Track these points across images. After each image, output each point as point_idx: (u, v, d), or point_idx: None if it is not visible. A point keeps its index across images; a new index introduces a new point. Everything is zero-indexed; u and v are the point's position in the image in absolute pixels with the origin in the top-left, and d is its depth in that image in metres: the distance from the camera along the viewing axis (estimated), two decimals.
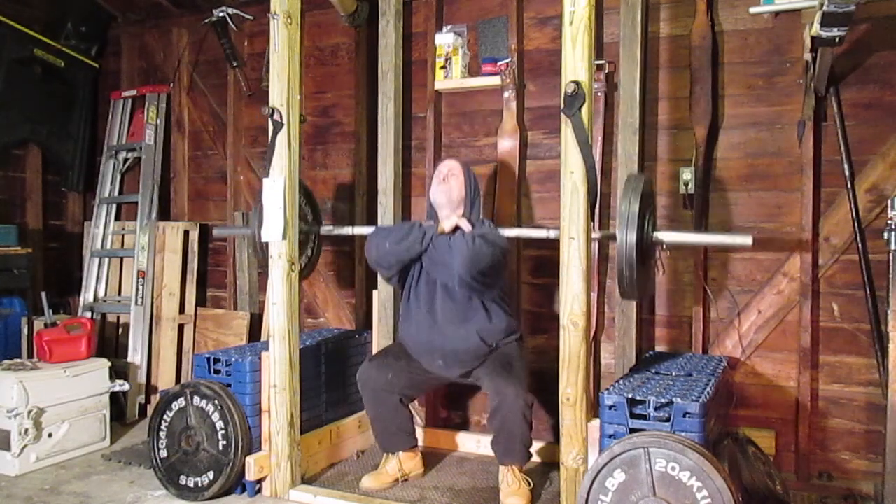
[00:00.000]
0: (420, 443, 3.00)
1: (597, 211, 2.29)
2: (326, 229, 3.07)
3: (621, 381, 2.38)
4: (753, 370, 2.87)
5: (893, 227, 2.09)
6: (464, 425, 3.35)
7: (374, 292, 3.24)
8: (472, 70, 3.32)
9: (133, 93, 4.18)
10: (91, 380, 3.19)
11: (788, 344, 2.81)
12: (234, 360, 2.71)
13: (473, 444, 3.14)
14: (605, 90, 3.01)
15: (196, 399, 2.66)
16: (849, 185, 2.65)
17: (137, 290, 3.84)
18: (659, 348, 3.01)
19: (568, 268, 2.21)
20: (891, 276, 2.10)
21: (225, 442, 2.60)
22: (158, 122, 4.08)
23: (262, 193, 2.67)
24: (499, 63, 3.18)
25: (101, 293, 4.06)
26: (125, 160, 4.20)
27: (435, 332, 2.64)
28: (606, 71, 3.01)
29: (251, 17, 3.81)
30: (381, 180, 3.24)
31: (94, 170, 4.29)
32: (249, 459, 2.59)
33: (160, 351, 3.85)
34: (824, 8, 1.99)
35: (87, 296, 4.02)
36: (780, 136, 2.82)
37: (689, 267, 2.94)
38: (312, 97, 3.71)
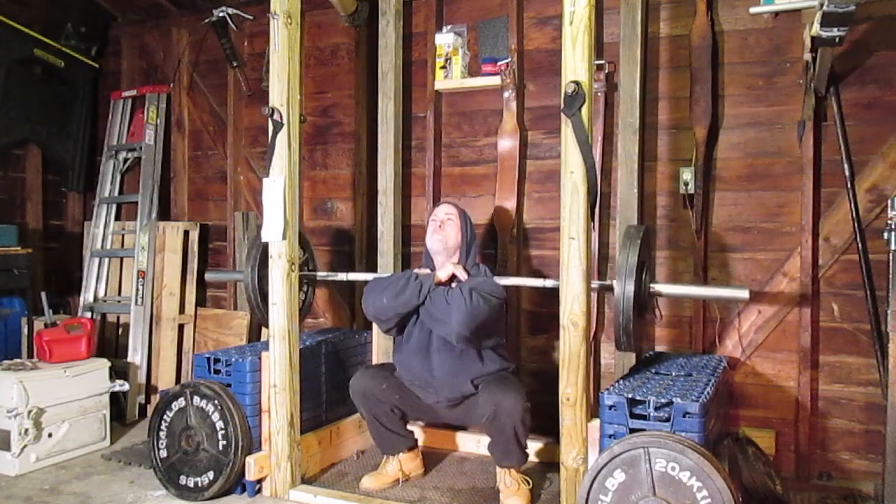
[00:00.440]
0: (420, 443, 3.00)
1: (597, 211, 2.29)
2: (322, 275, 3.06)
3: (621, 381, 2.38)
4: (753, 370, 2.87)
5: (893, 227, 2.09)
6: (463, 425, 3.34)
7: None
8: (472, 70, 3.32)
9: (133, 93, 4.18)
10: (91, 380, 3.19)
11: (788, 344, 2.81)
12: (234, 360, 2.71)
13: (473, 444, 3.14)
14: (605, 90, 3.01)
15: (196, 399, 2.66)
16: (849, 185, 2.65)
17: (137, 290, 3.84)
18: (659, 348, 3.01)
19: (568, 268, 2.21)
20: (891, 276, 2.10)
21: (225, 442, 2.60)
22: (158, 122, 4.08)
23: (262, 193, 2.67)
24: (499, 63, 3.18)
25: (101, 293, 4.06)
26: (125, 160, 4.20)
27: (431, 376, 2.64)
28: (606, 71, 3.01)
29: (251, 17, 3.81)
30: (381, 180, 3.24)
31: (94, 170, 4.29)
32: (249, 459, 2.59)
33: (160, 351, 3.85)
34: (824, 8, 1.99)
35: (87, 296, 4.02)
36: (780, 136, 2.82)
37: (689, 267, 2.94)
38: (312, 97, 3.71)
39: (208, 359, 2.78)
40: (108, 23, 4.32)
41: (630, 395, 2.13)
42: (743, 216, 2.88)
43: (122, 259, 4.08)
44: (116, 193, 4.18)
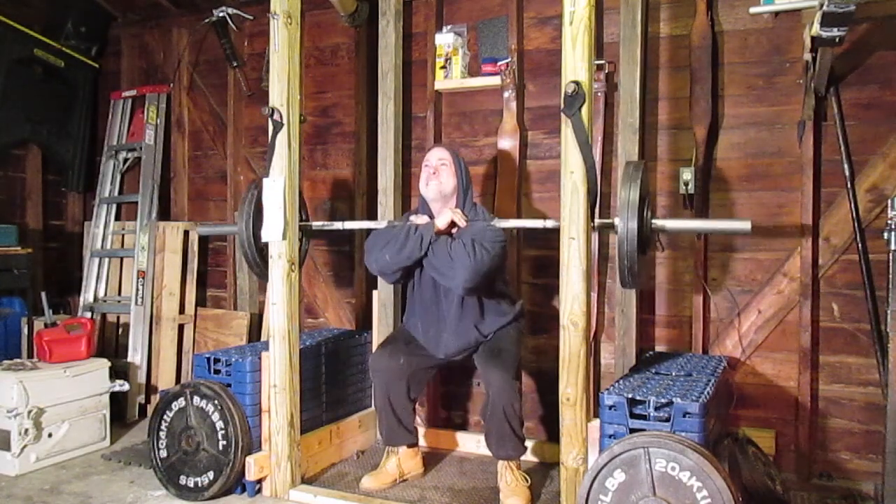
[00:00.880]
0: (420, 443, 3.00)
1: (597, 211, 2.29)
2: (317, 225, 3.05)
3: (621, 381, 2.38)
4: (753, 370, 2.87)
5: (893, 227, 2.09)
6: (464, 425, 3.35)
7: (374, 292, 3.24)
8: (472, 70, 3.32)
9: (133, 93, 4.18)
10: (91, 380, 3.19)
11: (788, 344, 2.81)
12: (234, 360, 2.71)
13: (473, 444, 3.14)
14: (605, 90, 3.01)
15: (196, 399, 2.66)
16: (849, 185, 2.65)
17: (137, 290, 3.84)
18: (659, 348, 3.01)
19: (568, 268, 2.21)
20: (891, 276, 2.10)
21: (225, 442, 2.60)
22: (158, 122, 4.08)
23: (262, 193, 2.67)
24: (499, 63, 3.18)
25: (101, 293, 4.06)
26: (125, 160, 4.20)
27: (441, 322, 2.70)
28: (606, 71, 3.01)
29: (251, 17, 3.81)
30: (381, 180, 3.24)
31: (94, 170, 4.29)
32: (249, 459, 2.59)
33: (160, 351, 3.85)
34: (824, 8, 1.99)
35: (87, 296, 4.02)
36: (780, 136, 2.82)
37: (689, 267, 2.94)
38: (312, 97, 3.71)
39: (208, 359, 2.79)
40: (108, 23, 4.32)
41: (630, 395, 2.13)
42: (743, 216, 2.87)
43: (122, 259, 4.07)
44: (116, 193, 4.18)
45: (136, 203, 3.99)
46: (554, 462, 2.66)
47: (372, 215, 3.36)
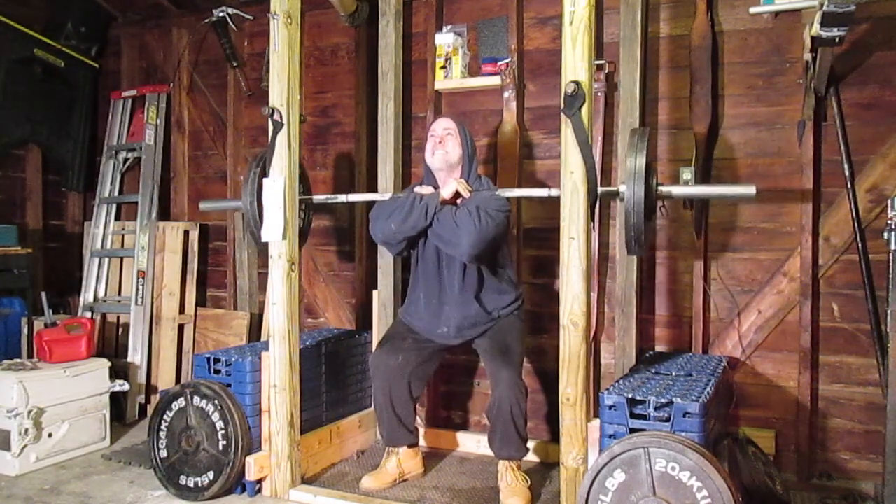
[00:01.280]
0: (420, 443, 3.00)
1: (597, 211, 2.29)
2: (319, 198, 3.03)
3: (621, 381, 2.38)
4: (753, 370, 2.87)
5: (893, 227, 2.09)
6: (464, 425, 3.35)
7: (374, 292, 3.24)
8: (472, 70, 3.32)
9: (133, 93, 4.18)
10: (91, 380, 3.19)
11: (788, 344, 2.81)
12: (234, 360, 2.71)
13: (473, 444, 3.14)
14: (605, 90, 3.01)
15: (196, 399, 2.66)
16: (849, 185, 2.65)
17: (137, 290, 3.84)
18: (659, 348, 3.02)
19: (568, 268, 2.21)
20: (891, 276, 2.10)
21: (225, 442, 2.60)
22: (158, 122, 4.08)
23: (263, 193, 2.67)
24: (499, 63, 3.18)
25: (101, 293, 4.06)
26: (125, 160, 4.20)
27: (443, 294, 2.70)
28: (606, 71, 3.01)
29: (251, 17, 3.81)
30: (381, 180, 3.23)
31: (94, 170, 4.29)
32: (249, 459, 2.59)
33: (160, 351, 3.85)
34: (824, 8, 1.99)
35: (87, 296, 4.02)
36: (780, 136, 2.82)
37: (689, 267, 2.94)
38: (312, 97, 3.71)
39: (208, 359, 2.79)
40: (108, 23, 4.32)
41: (630, 395, 2.13)
42: (743, 216, 2.88)
43: (122, 259, 4.07)
44: (116, 193, 4.18)
45: (136, 203, 3.99)
46: (554, 462, 2.65)
47: None
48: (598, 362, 3.09)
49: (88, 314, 3.94)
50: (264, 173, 2.69)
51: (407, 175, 3.41)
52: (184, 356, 3.92)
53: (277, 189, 2.62)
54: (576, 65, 2.17)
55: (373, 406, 2.95)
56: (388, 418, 2.72)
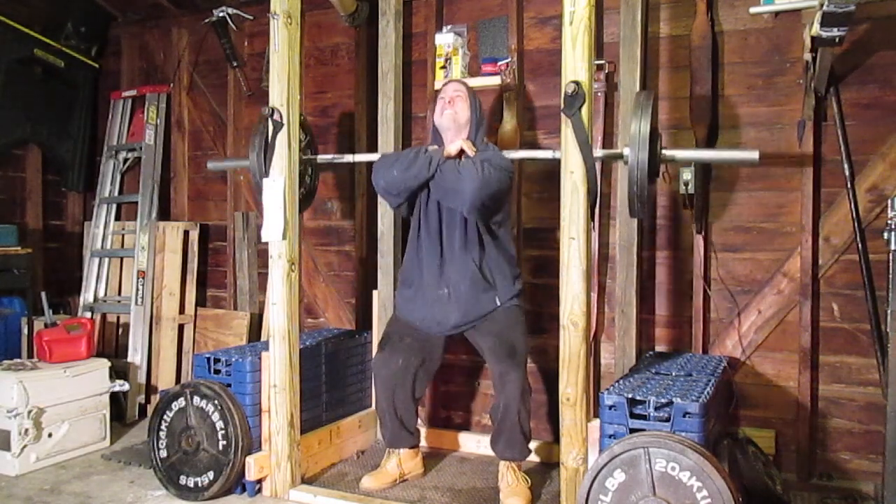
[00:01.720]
0: (421, 443, 2.99)
1: (597, 211, 2.29)
2: (324, 158, 3.03)
3: (621, 381, 2.38)
4: (753, 370, 2.87)
5: (893, 227, 2.09)
6: (464, 425, 3.35)
7: (374, 292, 3.24)
8: (472, 70, 3.31)
9: (133, 93, 4.18)
10: (91, 380, 3.19)
11: (788, 344, 2.81)
12: (234, 360, 2.71)
13: (474, 444, 3.14)
14: (605, 90, 3.01)
15: (196, 399, 2.66)
16: (849, 185, 2.65)
17: (137, 290, 3.84)
18: (659, 348, 3.02)
19: (568, 268, 2.21)
20: (891, 276, 2.09)
21: (225, 442, 2.60)
22: (158, 122, 4.08)
23: (262, 193, 2.67)
24: (499, 63, 3.18)
25: (101, 293, 4.06)
26: (125, 160, 4.20)
27: (443, 254, 2.66)
28: (606, 71, 3.01)
29: (251, 17, 3.81)
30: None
31: (94, 170, 4.29)
32: (249, 459, 2.59)
33: (160, 351, 3.86)
34: (824, 8, 1.99)
35: (87, 296, 4.02)
36: (780, 136, 2.82)
37: (689, 267, 2.94)
38: (312, 97, 3.71)
39: (208, 359, 2.79)
40: (108, 23, 4.31)
41: (630, 395, 2.13)
42: (743, 216, 2.88)
43: (122, 259, 4.08)
44: (116, 193, 4.18)
45: (136, 203, 3.99)
46: (554, 462, 2.65)
47: (372, 215, 3.36)
48: (598, 362, 3.09)
49: (88, 314, 3.94)
50: (268, 137, 2.66)
51: None
52: (184, 356, 3.92)
53: (277, 189, 2.62)
54: (576, 65, 2.17)
55: (374, 407, 2.94)
56: (391, 421, 2.72)
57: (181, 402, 2.69)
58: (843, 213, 2.70)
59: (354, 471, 2.89)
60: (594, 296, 2.97)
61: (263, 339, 3.53)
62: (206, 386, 2.65)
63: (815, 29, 2.13)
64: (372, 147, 3.39)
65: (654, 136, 2.25)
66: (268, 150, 2.66)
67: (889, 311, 2.09)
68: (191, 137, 4.13)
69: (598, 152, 2.41)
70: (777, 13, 2.74)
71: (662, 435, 2.01)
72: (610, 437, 2.13)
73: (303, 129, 2.86)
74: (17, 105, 3.86)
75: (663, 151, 2.34)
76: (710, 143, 2.87)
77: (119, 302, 3.99)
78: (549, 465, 2.92)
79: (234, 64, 3.87)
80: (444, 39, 3.29)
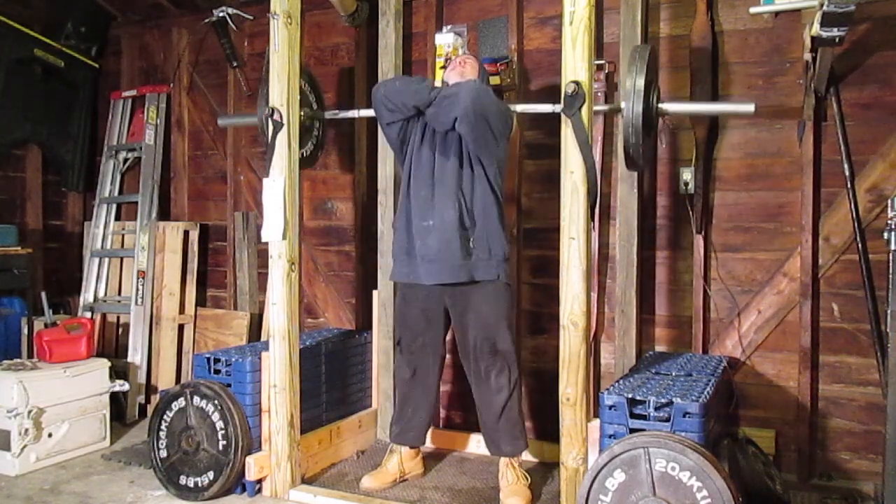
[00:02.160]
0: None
1: (597, 211, 2.30)
2: (331, 114, 3.05)
3: (621, 381, 2.38)
4: (753, 370, 2.87)
5: (893, 227, 2.09)
6: (464, 426, 3.34)
7: (374, 292, 3.24)
8: None
9: (133, 93, 4.18)
10: (91, 380, 3.19)
11: (788, 344, 2.81)
12: (234, 360, 2.71)
13: (473, 444, 3.14)
14: (605, 90, 3.01)
15: (196, 399, 2.66)
16: (849, 185, 2.65)
17: (137, 290, 3.84)
18: (659, 348, 3.02)
19: (568, 268, 2.21)
20: (891, 276, 2.09)
21: (225, 442, 2.60)
22: (158, 122, 4.08)
23: (262, 193, 2.67)
24: (499, 63, 3.17)
25: (101, 293, 4.06)
26: (125, 160, 4.20)
27: (434, 186, 2.59)
28: (606, 71, 3.01)
29: (251, 17, 3.81)
30: (381, 180, 3.24)
31: (94, 170, 4.29)
32: (249, 459, 2.59)
33: (160, 351, 3.85)
34: (824, 8, 1.99)
35: (87, 296, 4.02)
36: (780, 136, 2.82)
37: (689, 267, 2.94)
38: None
39: (208, 359, 2.79)
40: (108, 23, 4.31)
41: (630, 395, 2.13)
42: (743, 216, 2.88)
43: (122, 259, 4.07)
44: (116, 193, 4.18)
45: (136, 203, 3.99)
46: (554, 462, 2.65)
47: (372, 215, 3.36)
48: (598, 362, 3.09)
49: (88, 314, 3.94)
50: None
51: None
52: (184, 356, 3.92)
53: (277, 189, 2.62)
54: (576, 65, 2.18)
55: (394, 402, 2.94)
56: (404, 420, 2.77)
57: (181, 402, 2.69)
58: (843, 213, 2.70)
59: (354, 471, 2.89)
60: (594, 296, 2.97)
61: (263, 339, 3.52)
62: (206, 386, 2.65)
63: (815, 29, 2.13)
64: (372, 147, 3.39)
65: (648, 89, 2.28)
66: (268, 149, 2.66)
67: (889, 311, 2.09)
68: (191, 137, 4.13)
69: (599, 107, 2.46)
70: (777, 13, 2.74)
71: (662, 435, 2.01)
72: (610, 437, 2.13)
73: (311, 88, 2.98)
74: (17, 105, 3.86)
75: (659, 105, 2.39)
76: (709, 142, 2.87)
77: (119, 302, 3.99)
78: (549, 465, 2.92)
79: (234, 64, 3.87)
80: (444, 39, 3.27)
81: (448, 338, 2.84)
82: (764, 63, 2.83)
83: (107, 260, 4.10)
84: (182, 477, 2.65)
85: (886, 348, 2.14)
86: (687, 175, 2.86)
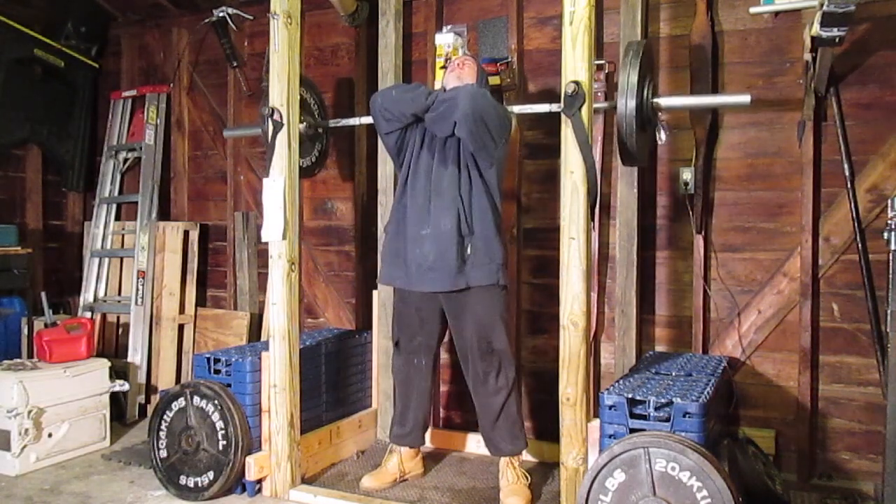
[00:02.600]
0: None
1: (597, 211, 2.30)
2: (334, 122, 3.09)
3: (621, 381, 2.38)
4: (753, 370, 2.87)
5: (893, 227, 2.09)
6: (464, 426, 3.34)
7: (374, 292, 3.24)
8: None
9: (133, 93, 4.18)
10: (91, 380, 3.19)
11: (788, 344, 2.81)
12: (234, 360, 2.71)
13: (473, 444, 3.14)
14: (605, 90, 3.01)
15: (196, 399, 2.66)
16: (849, 185, 2.65)
17: (137, 290, 3.84)
18: (659, 348, 3.01)
19: (568, 268, 2.21)
20: (891, 276, 2.10)
21: (225, 442, 2.60)
22: (158, 122, 4.08)
23: (262, 193, 2.67)
24: (499, 63, 3.17)
25: (101, 293, 4.06)
26: (125, 160, 4.20)
27: (431, 192, 2.57)
28: (606, 71, 3.01)
29: (251, 17, 3.81)
30: (381, 180, 3.24)
31: (94, 170, 4.29)
32: (249, 459, 2.59)
33: (160, 351, 3.85)
34: (824, 8, 1.99)
35: (87, 296, 4.02)
36: (780, 136, 2.82)
37: (689, 267, 2.94)
38: None
39: (208, 359, 2.79)
40: (108, 23, 4.32)
41: (630, 395, 2.13)
42: (743, 216, 2.88)
43: (122, 259, 4.07)
44: (116, 193, 4.18)
45: (136, 203, 3.99)
46: (554, 462, 2.65)
47: (372, 215, 3.36)
48: (598, 362, 3.09)
49: (88, 314, 3.94)
50: None
51: None
52: (184, 356, 3.92)
53: (277, 189, 2.62)
54: (576, 65, 2.18)
55: (394, 403, 2.93)
56: (403, 419, 2.77)
57: (181, 402, 2.69)
58: (843, 213, 2.70)
59: (354, 471, 2.89)
60: (594, 296, 2.97)
61: (263, 339, 3.52)
62: (206, 386, 2.65)
63: (815, 29, 2.13)
64: (372, 147, 3.39)
65: (643, 83, 2.30)
66: (268, 149, 2.66)
67: (889, 311, 2.10)
68: (191, 137, 4.13)
69: (598, 104, 2.46)
70: (777, 13, 2.74)
71: (662, 435, 2.01)
72: (610, 437, 2.13)
73: (313, 96, 3.01)
74: (17, 105, 3.86)
75: (654, 99, 2.41)
76: (709, 142, 2.87)
77: (119, 302, 3.99)
78: (549, 465, 2.92)
79: (234, 64, 3.87)
80: (444, 39, 3.27)
81: (446, 339, 2.84)
82: (764, 63, 2.83)
83: (107, 260, 4.10)
84: (182, 477, 2.65)
85: (886, 348, 2.14)
86: (687, 175, 2.86)
